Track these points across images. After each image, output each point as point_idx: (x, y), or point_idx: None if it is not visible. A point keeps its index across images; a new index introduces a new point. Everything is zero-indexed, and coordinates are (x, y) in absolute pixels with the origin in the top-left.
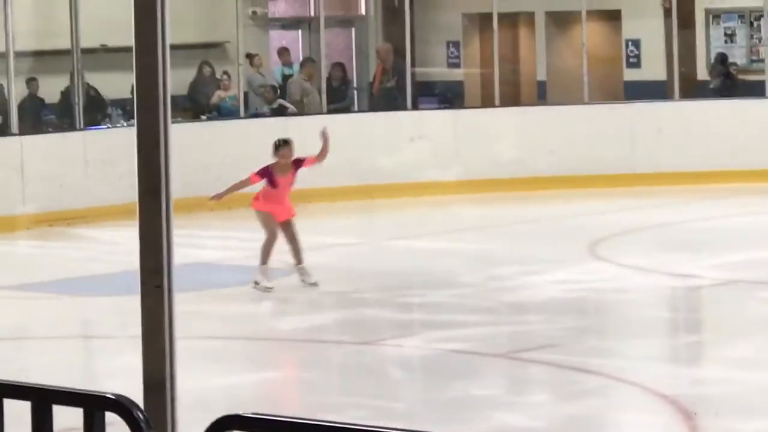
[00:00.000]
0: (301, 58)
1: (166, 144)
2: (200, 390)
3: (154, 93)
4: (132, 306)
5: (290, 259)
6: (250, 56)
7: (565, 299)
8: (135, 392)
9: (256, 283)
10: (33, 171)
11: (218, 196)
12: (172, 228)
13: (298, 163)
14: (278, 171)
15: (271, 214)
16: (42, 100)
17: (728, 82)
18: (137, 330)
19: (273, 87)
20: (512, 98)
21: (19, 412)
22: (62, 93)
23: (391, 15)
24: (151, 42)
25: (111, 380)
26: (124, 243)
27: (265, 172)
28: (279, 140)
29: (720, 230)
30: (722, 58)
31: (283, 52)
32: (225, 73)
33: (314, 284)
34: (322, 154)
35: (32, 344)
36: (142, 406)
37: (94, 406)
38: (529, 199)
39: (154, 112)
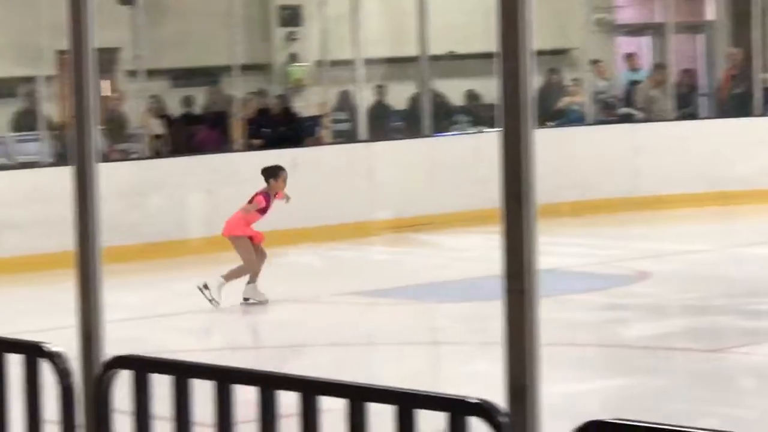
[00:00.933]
0: (647, 64)
1: (530, 148)
2: (555, 396)
3: (517, 98)
4: (481, 312)
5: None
6: (594, 62)
7: None
8: (487, 398)
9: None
10: (381, 177)
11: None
12: (536, 232)
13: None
14: (272, 199)
15: (249, 238)
16: (389, 106)
17: None
18: (487, 336)
19: (618, 95)
20: None
21: (382, 415)
22: (410, 100)
23: (739, 20)
24: (515, 46)
25: (462, 386)
26: (470, 249)
27: (267, 198)
28: (276, 166)
29: None
30: None
31: (630, 57)
32: (573, 79)
33: (266, 301)
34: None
35: (382, 350)
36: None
37: (458, 410)
38: None
39: (518, 117)
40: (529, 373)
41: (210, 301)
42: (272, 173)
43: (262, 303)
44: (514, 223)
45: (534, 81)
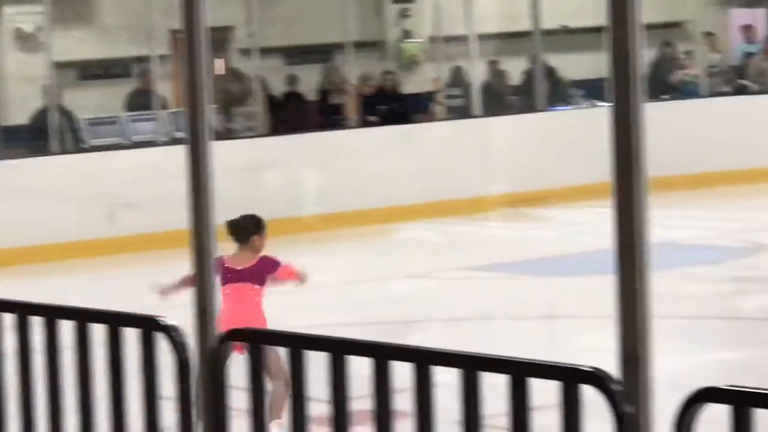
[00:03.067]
0: (764, 37)
1: (639, 119)
2: (671, 368)
3: (626, 68)
4: (596, 286)
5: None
6: (707, 35)
7: None
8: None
9: None
10: (495, 152)
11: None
12: (646, 205)
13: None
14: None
15: None
16: (503, 81)
17: None
18: (603, 310)
19: (733, 67)
20: None
21: (496, 384)
22: (523, 74)
23: None
24: (623, 16)
25: (578, 359)
26: (585, 223)
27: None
28: (252, 216)
29: None
30: None
31: (747, 29)
32: (686, 53)
33: None
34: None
35: (497, 324)
36: None
37: (570, 378)
38: None
39: (627, 88)
40: (641, 342)
41: None
42: (255, 227)
43: None
44: (624, 196)
45: (646, 54)
